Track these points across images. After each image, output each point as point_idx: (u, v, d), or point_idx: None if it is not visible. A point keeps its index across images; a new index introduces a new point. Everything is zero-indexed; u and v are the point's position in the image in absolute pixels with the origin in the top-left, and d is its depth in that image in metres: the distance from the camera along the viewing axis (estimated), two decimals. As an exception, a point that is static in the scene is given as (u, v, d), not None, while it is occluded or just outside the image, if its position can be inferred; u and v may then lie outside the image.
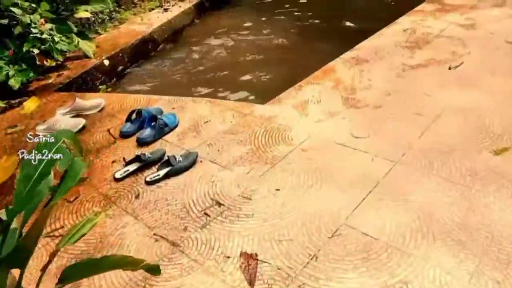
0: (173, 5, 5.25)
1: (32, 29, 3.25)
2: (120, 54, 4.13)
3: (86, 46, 3.95)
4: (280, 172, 2.19)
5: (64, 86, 3.53)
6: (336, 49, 4.08)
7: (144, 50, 4.42)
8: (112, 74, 4.01)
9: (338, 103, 2.76)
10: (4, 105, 3.14)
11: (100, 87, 3.82)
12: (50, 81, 3.56)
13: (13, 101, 3.21)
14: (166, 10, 5.12)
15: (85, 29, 4.45)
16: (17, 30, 3.24)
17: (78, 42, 3.93)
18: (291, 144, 2.39)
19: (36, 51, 3.24)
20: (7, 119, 3.06)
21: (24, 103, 3.20)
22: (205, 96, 3.48)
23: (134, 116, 2.76)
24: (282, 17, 5.20)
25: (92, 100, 3.05)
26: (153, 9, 5.19)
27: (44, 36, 3.28)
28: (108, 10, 4.78)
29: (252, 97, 3.40)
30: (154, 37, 4.59)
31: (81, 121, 2.82)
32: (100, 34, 4.55)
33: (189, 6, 5.21)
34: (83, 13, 3.92)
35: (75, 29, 3.89)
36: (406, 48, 3.42)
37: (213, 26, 5.10)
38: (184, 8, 5.15)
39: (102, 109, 3.03)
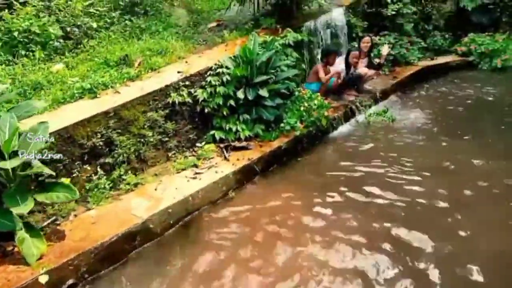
0: (209, 168, 3.90)
1: None
2: (76, 262, 2.86)
3: (31, 248, 2.83)
4: None
5: None
6: None
7: (123, 250, 3.08)
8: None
9: None
10: None
11: (14, 323, 2.57)
12: None
13: None
14: (195, 175, 3.79)
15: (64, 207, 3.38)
16: None
17: (23, 240, 2.84)
18: None
19: None
20: None
21: None
22: None
23: None
24: (352, 199, 3.35)
25: None
26: (184, 169, 3.91)
27: None
28: (119, 173, 3.69)
29: None
30: (149, 227, 3.24)
31: None
32: (88, 208, 3.42)
33: (227, 174, 3.77)
34: (30, 206, 2.82)
35: (19, 225, 2.83)
36: None
37: (254, 211, 3.53)
38: (220, 177, 3.72)
39: None
